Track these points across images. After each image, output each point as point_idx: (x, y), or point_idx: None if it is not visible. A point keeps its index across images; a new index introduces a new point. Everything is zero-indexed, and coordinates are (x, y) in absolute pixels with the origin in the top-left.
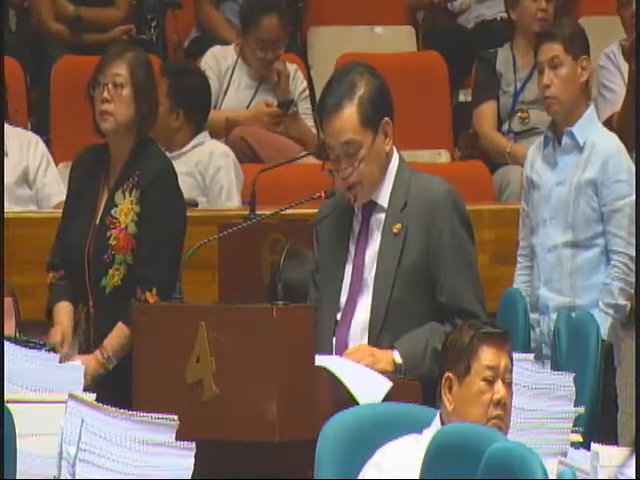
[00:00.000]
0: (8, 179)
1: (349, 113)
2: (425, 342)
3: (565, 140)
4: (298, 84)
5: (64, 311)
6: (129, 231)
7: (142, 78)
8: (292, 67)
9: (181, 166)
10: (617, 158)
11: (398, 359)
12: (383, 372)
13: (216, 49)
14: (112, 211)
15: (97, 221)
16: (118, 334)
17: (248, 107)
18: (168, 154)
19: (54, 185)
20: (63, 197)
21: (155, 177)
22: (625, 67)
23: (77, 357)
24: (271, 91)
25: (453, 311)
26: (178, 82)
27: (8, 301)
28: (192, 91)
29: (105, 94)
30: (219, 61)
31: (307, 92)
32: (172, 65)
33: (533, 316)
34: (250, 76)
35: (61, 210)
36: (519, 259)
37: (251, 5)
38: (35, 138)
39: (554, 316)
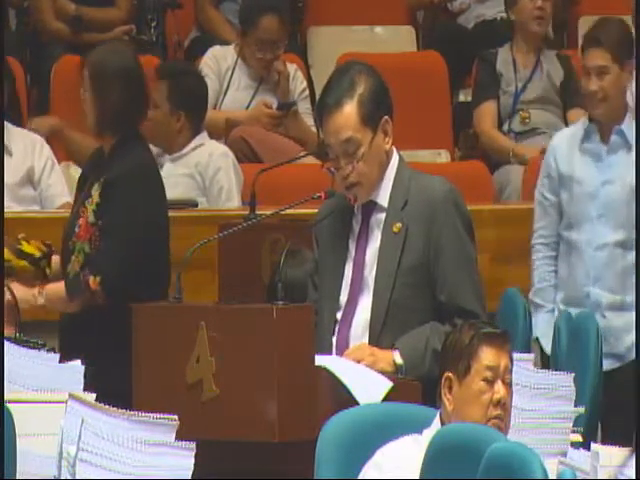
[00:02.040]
0: (11, 178)
1: (349, 111)
2: (425, 342)
3: (614, 138)
4: (298, 84)
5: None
6: (89, 220)
7: (100, 75)
8: (292, 67)
9: (181, 167)
10: None
11: (398, 359)
12: (383, 372)
13: (216, 49)
14: (86, 202)
15: (75, 210)
16: (60, 288)
17: (248, 107)
18: (168, 156)
19: (58, 186)
20: (67, 199)
21: (119, 175)
22: None
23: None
24: (271, 91)
25: (453, 310)
26: (177, 84)
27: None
28: (191, 92)
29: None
30: (219, 61)
31: (307, 92)
32: (169, 67)
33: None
34: (250, 76)
35: (64, 211)
36: (539, 247)
37: (250, 5)
38: (40, 139)
39: (607, 314)
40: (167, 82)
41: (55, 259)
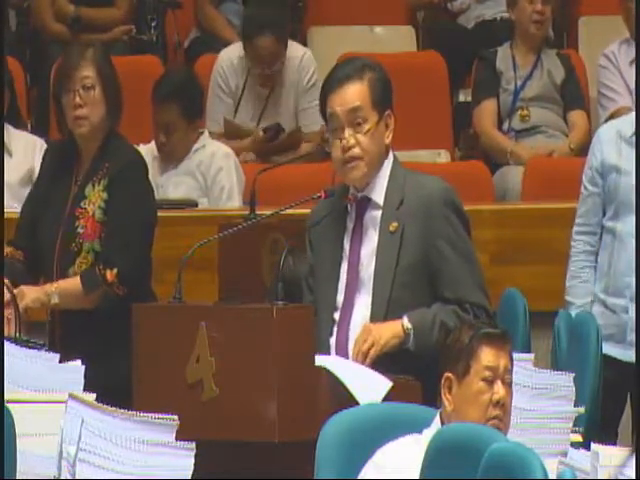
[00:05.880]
0: (12, 178)
1: (360, 86)
2: (434, 315)
3: None
4: (310, 70)
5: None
6: (96, 218)
7: (108, 74)
8: (301, 52)
9: (183, 168)
10: None
11: (407, 323)
12: (390, 342)
13: (224, 61)
14: (81, 203)
15: (66, 214)
16: (74, 284)
17: (259, 119)
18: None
19: None
20: None
21: (123, 167)
22: (624, 66)
23: (23, 287)
24: (277, 106)
25: (459, 305)
26: (184, 98)
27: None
28: (196, 96)
29: (77, 99)
30: (229, 77)
31: (315, 77)
32: (166, 85)
33: (616, 301)
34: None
35: None
36: (577, 239)
37: (249, 22)
38: (40, 141)
39: None
40: (174, 101)
41: (21, 293)
